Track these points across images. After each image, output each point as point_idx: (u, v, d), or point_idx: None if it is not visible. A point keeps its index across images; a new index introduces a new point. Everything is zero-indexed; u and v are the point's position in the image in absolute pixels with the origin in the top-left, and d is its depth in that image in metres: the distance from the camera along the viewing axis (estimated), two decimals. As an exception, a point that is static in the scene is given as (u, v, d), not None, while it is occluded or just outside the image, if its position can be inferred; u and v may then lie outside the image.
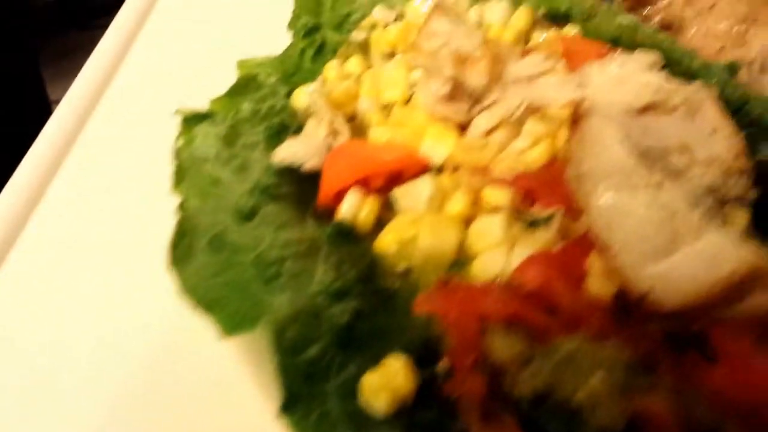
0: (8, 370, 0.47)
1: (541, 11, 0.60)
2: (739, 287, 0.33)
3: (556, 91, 0.44)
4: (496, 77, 0.45)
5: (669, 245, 0.34)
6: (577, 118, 0.41)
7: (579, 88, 0.43)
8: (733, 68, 0.55)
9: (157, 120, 0.53)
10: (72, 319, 0.49)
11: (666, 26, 0.64)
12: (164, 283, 0.39)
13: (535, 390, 0.34)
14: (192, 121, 0.50)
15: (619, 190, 0.37)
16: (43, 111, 1.55)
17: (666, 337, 0.35)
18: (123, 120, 0.67)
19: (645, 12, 0.65)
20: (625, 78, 0.44)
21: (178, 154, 0.47)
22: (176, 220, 0.42)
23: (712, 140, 0.42)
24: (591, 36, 0.59)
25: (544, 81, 0.45)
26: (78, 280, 0.52)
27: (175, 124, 0.51)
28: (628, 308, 0.35)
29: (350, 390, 0.36)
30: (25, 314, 0.50)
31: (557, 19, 0.61)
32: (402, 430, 0.34)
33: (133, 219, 0.55)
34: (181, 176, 0.45)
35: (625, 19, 0.58)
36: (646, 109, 0.42)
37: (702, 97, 0.43)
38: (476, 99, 0.46)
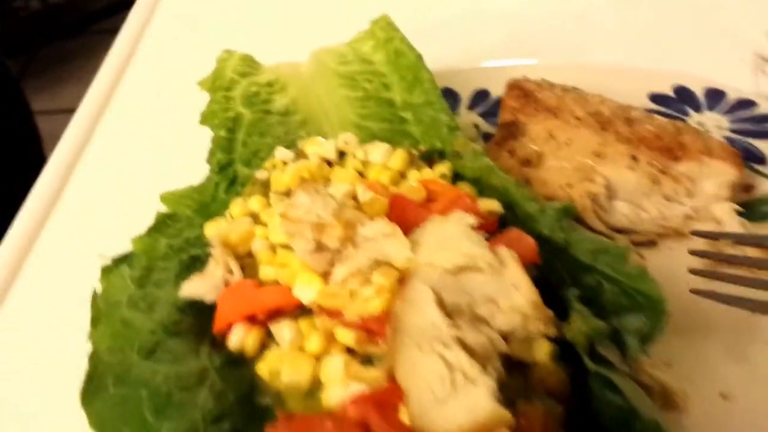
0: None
1: (418, 151, 0.76)
2: (487, 429, 0.47)
3: (395, 250, 0.59)
4: (349, 238, 0.60)
5: (446, 395, 0.49)
6: (403, 280, 0.56)
7: (411, 250, 0.58)
8: (567, 210, 0.69)
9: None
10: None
11: (527, 160, 0.79)
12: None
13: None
14: (109, 269, 0.64)
15: (418, 345, 0.52)
16: (27, 123, 1.61)
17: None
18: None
19: (512, 146, 0.80)
20: (450, 239, 0.59)
21: (95, 301, 0.61)
22: (87, 366, 0.56)
23: (514, 293, 0.57)
24: (458, 172, 0.74)
25: (386, 241, 0.60)
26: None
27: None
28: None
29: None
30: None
31: (432, 156, 0.77)
32: None
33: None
34: (97, 321, 0.59)
35: (485, 161, 0.74)
36: (460, 270, 0.57)
37: (506, 258, 0.58)
38: (335, 253, 0.61)
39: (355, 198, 0.67)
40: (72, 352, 0.58)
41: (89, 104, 0.95)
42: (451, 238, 0.59)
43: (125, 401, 0.54)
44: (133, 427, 0.53)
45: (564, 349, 0.57)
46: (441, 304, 0.55)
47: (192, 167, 0.74)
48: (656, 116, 0.80)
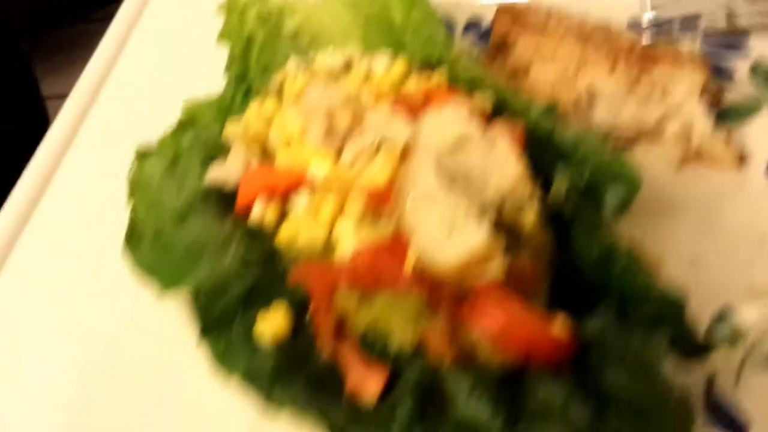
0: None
1: (418, 59, 0.85)
2: (479, 261, 0.57)
3: (397, 132, 0.69)
4: (357, 123, 0.70)
5: (445, 238, 0.58)
6: (405, 153, 0.66)
7: (412, 131, 0.68)
8: (551, 107, 0.79)
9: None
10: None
11: (515, 71, 0.89)
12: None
13: (363, 326, 0.59)
14: (142, 156, 0.74)
15: (421, 202, 0.61)
16: (38, 107, 1.69)
17: (448, 292, 0.60)
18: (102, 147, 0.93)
19: (501, 61, 0.90)
20: (446, 123, 0.68)
21: (131, 179, 0.71)
22: (128, 221, 0.66)
23: (503, 167, 0.66)
24: (454, 77, 0.83)
25: (390, 125, 0.69)
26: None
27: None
28: (422, 276, 0.59)
29: (248, 328, 0.59)
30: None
31: (431, 64, 0.86)
32: (279, 354, 0.58)
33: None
34: (132, 192, 0.69)
35: (477, 67, 0.84)
36: (456, 145, 0.67)
37: (497, 136, 0.67)
38: (344, 137, 0.71)
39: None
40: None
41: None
42: (447, 122, 0.68)
43: (162, 251, 0.63)
44: (170, 269, 0.62)
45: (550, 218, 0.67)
46: (439, 173, 0.64)
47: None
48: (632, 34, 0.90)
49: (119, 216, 0.69)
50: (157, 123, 0.77)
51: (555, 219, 0.67)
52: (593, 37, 0.87)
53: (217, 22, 0.91)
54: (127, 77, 1.00)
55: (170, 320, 0.64)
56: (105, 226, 0.77)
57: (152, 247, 0.64)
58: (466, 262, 0.56)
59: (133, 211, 0.67)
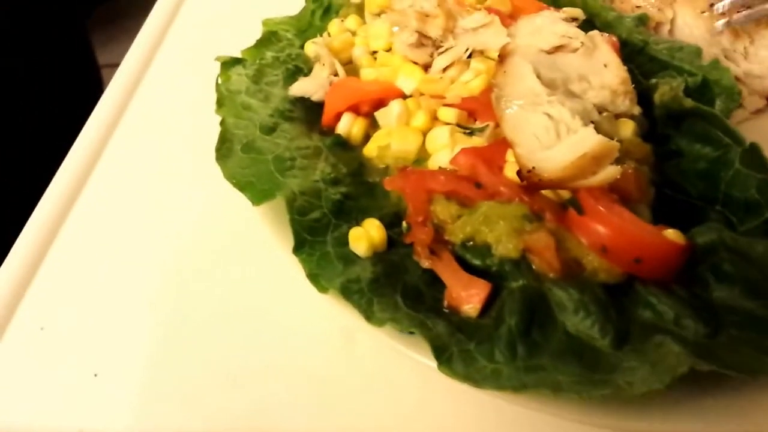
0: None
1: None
2: (593, 162, 0.48)
3: (492, 38, 0.60)
4: (450, 29, 0.61)
5: (552, 141, 0.50)
6: (502, 57, 0.57)
7: (508, 37, 0.59)
8: (641, 19, 0.69)
9: (203, 67, 0.70)
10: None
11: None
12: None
13: (463, 236, 0.51)
14: (228, 65, 0.66)
15: (523, 106, 0.53)
16: (93, 75, 1.61)
17: (554, 198, 0.51)
18: (180, 66, 0.86)
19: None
20: (542, 28, 0.59)
21: (219, 88, 0.63)
22: (219, 131, 0.59)
23: (604, 72, 0.57)
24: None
25: (484, 31, 0.60)
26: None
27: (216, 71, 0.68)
28: (526, 181, 0.51)
29: (341, 241, 0.52)
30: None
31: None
32: (375, 264, 0.50)
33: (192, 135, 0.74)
34: (221, 103, 0.61)
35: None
36: (555, 50, 0.57)
37: (598, 40, 0.58)
38: (436, 46, 0.62)
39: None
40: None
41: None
42: (545, 27, 0.59)
43: (254, 162, 0.56)
44: (262, 180, 0.55)
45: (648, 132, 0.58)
46: (539, 76, 0.55)
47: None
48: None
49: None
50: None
51: (652, 133, 0.59)
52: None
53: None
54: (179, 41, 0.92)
55: (262, 232, 0.56)
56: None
57: (243, 158, 0.56)
58: (579, 162, 0.48)
59: (223, 121, 0.59)
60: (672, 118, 0.57)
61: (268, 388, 0.54)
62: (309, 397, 0.54)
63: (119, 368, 0.57)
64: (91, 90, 1.52)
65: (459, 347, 0.45)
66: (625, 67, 0.58)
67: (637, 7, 0.75)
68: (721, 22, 0.72)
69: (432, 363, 0.45)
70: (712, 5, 0.74)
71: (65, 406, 0.55)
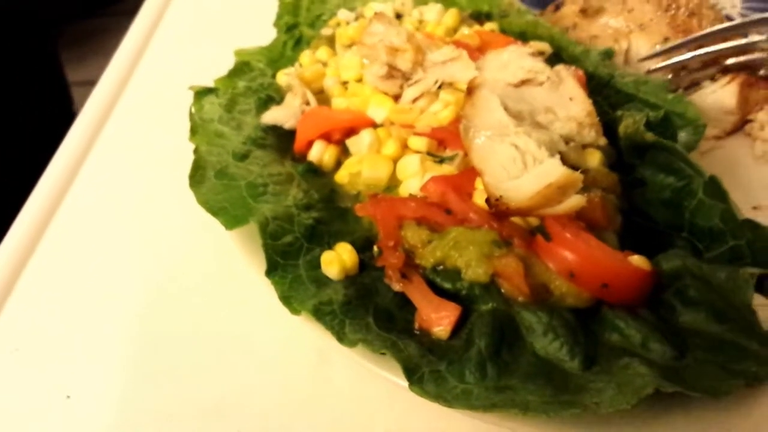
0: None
1: (468, 11, 0.80)
2: (559, 192, 0.51)
3: (461, 71, 0.63)
4: (419, 62, 0.64)
5: (519, 171, 0.53)
6: (470, 89, 0.60)
7: (476, 70, 0.62)
8: (607, 53, 0.74)
9: (175, 98, 0.73)
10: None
11: (585, 10, 0.83)
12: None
13: (434, 260, 0.53)
14: (201, 94, 0.68)
15: (491, 136, 0.55)
16: (64, 92, 1.63)
17: (523, 225, 0.54)
18: (149, 98, 0.88)
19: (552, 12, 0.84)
20: (509, 62, 0.62)
21: (192, 116, 0.66)
22: (193, 159, 0.61)
23: (570, 104, 0.60)
24: (505, 29, 0.78)
25: (453, 65, 0.63)
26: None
27: (189, 99, 0.70)
28: (494, 208, 0.53)
29: (314, 264, 0.54)
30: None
31: (480, 17, 0.80)
32: (347, 287, 0.52)
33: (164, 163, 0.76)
34: (194, 131, 0.63)
35: (530, 17, 0.78)
36: (522, 83, 0.61)
37: (564, 74, 0.61)
38: (406, 78, 0.65)
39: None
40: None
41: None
42: (511, 61, 0.63)
43: (227, 188, 0.58)
44: (235, 206, 0.57)
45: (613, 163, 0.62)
46: (506, 108, 0.58)
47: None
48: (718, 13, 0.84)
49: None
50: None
51: (619, 163, 0.62)
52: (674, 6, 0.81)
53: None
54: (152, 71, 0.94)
55: (234, 256, 0.58)
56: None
57: (216, 184, 0.59)
58: (545, 191, 0.50)
59: (197, 148, 0.61)
60: (636, 149, 0.60)
61: (245, 413, 0.56)
62: (287, 420, 0.55)
63: (92, 390, 0.58)
64: (62, 106, 1.53)
65: (430, 368, 0.47)
66: (591, 100, 0.61)
67: (594, 36, 0.79)
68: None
69: (404, 383, 0.47)
70: (666, 39, 0.79)
71: (36, 427, 0.56)
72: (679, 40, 0.77)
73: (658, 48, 0.78)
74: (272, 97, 0.72)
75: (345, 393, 0.56)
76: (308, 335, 0.53)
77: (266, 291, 0.53)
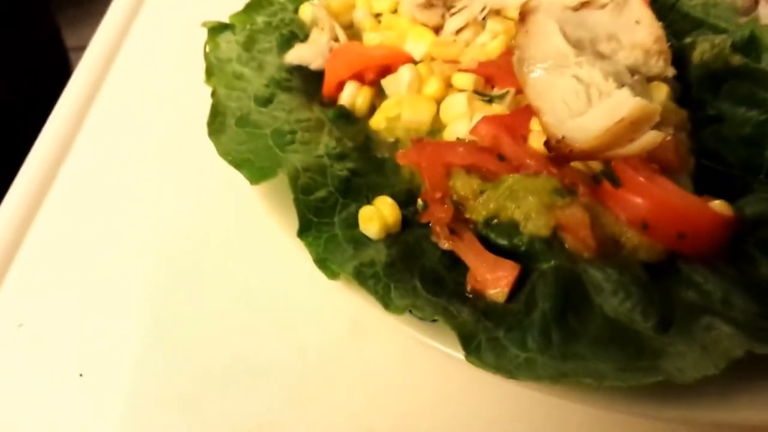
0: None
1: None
2: (631, 128, 0.47)
3: (512, -6, 0.59)
4: (461, -13, 0.60)
5: (583, 107, 0.49)
6: (524, 15, 0.55)
7: (527, -5, 0.57)
8: (673, -27, 0.69)
9: (188, 33, 0.69)
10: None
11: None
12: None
13: (486, 213, 0.50)
14: (216, 30, 0.64)
15: (549, 68, 0.51)
16: (61, 57, 1.63)
17: (586, 170, 0.50)
18: (158, 36, 0.85)
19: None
20: (566, -18, 0.58)
21: (207, 56, 0.62)
22: (211, 104, 0.57)
23: (636, 29, 0.56)
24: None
25: (501, -13, 0.59)
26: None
27: (202, 38, 0.66)
28: (555, 152, 0.50)
29: (351, 222, 0.51)
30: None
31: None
32: (388, 247, 0.49)
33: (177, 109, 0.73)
34: (211, 72, 0.60)
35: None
36: (581, 5, 0.56)
37: (628, -6, 0.57)
38: (448, 6, 0.61)
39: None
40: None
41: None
42: (568, -19, 0.58)
43: (251, 137, 0.55)
44: (261, 156, 0.53)
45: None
46: (565, 36, 0.54)
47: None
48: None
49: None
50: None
51: (686, 98, 0.58)
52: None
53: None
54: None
55: (260, 215, 0.54)
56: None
57: (238, 133, 0.55)
58: (615, 129, 0.46)
59: (214, 92, 0.58)
60: (711, 79, 0.56)
61: (272, 390, 0.53)
62: (318, 399, 0.53)
63: (106, 368, 0.55)
64: (60, 72, 1.50)
65: (487, 335, 0.44)
66: (660, 24, 0.56)
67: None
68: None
69: (458, 353, 0.44)
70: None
71: (48, 407, 0.54)
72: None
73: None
74: (296, 33, 0.68)
75: (384, 367, 0.54)
76: (343, 303, 0.49)
77: (295, 254, 0.50)
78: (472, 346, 0.43)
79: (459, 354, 0.44)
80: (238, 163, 0.53)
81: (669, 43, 0.57)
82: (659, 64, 0.56)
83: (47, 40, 1.56)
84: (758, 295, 0.45)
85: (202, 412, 0.52)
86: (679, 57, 0.58)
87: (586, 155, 0.49)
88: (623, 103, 0.47)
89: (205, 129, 0.55)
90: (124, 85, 0.79)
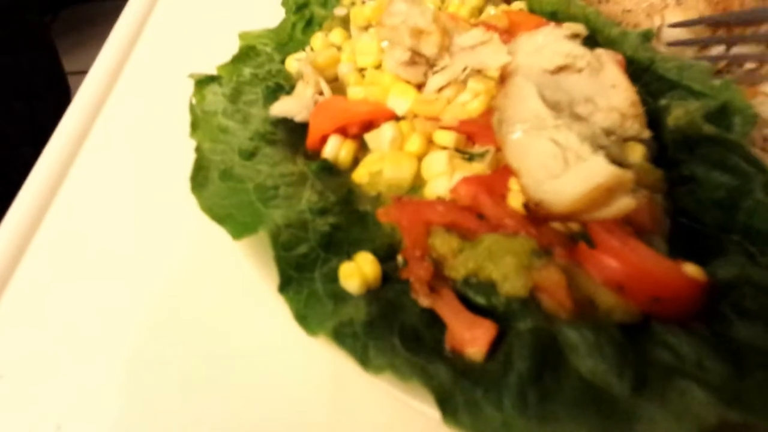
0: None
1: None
2: (606, 194, 0.47)
3: (492, 57, 0.58)
4: (445, 47, 0.60)
5: (560, 170, 0.49)
6: (504, 76, 0.56)
7: (509, 55, 0.57)
8: (646, 35, 0.69)
9: (174, 85, 0.68)
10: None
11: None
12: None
13: (465, 272, 0.49)
14: (203, 83, 0.64)
15: (527, 131, 0.51)
16: (60, 83, 1.61)
17: (564, 230, 0.50)
18: (146, 86, 0.83)
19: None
20: (545, 46, 0.57)
21: (193, 109, 0.61)
22: (194, 158, 0.57)
23: (612, 93, 0.56)
24: (534, 9, 0.73)
25: (483, 49, 0.59)
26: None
27: (189, 87, 0.66)
28: (533, 214, 0.49)
29: (331, 277, 0.50)
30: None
31: (506, -2, 0.76)
32: (369, 303, 0.49)
33: (161, 161, 0.72)
34: (196, 125, 0.59)
35: (561, -1, 0.73)
36: (559, 70, 0.56)
37: (605, 59, 0.57)
38: (430, 64, 0.61)
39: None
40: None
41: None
42: (546, 45, 0.58)
43: (233, 191, 0.54)
44: (243, 212, 0.53)
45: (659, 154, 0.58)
46: (543, 98, 0.54)
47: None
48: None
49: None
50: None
51: (662, 158, 0.58)
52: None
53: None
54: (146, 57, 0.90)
55: (241, 269, 0.54)
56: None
57: (221, 187, 0.54)
58: (591, 194, 0.46)
59: (199, 146, 0.57)
60: (685, 143, 0.57)
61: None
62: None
63: (85, 419, 0.54)
64: (60, 95, 1.49)
65: (464, 396, 0.44)
66: (635, 88, 0.57)
67: (627, 11, 0.75)
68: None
69: (435, 413, 0.43)
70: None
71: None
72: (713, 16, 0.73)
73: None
74: (282, 85, 0.67)
75: (370, 423, 0.53)
76: (326, 358, 0.49)
77: (279, 309, 0.49)
78: (448, 408, 0.43)
79: (436, 413, 0.43)
80: (220, 219, 0.52)
81: (645, 105, 0.57)
82: (635, 127, 0.56)
83: (47, 60, 1.55)
84: (733, 358, 0.45)
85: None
86: (654, 118, 0.59)
87: (562, 218, 0.49)
88: (599, 169, 0.47)
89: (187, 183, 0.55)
90: (112, 134, 0.78)
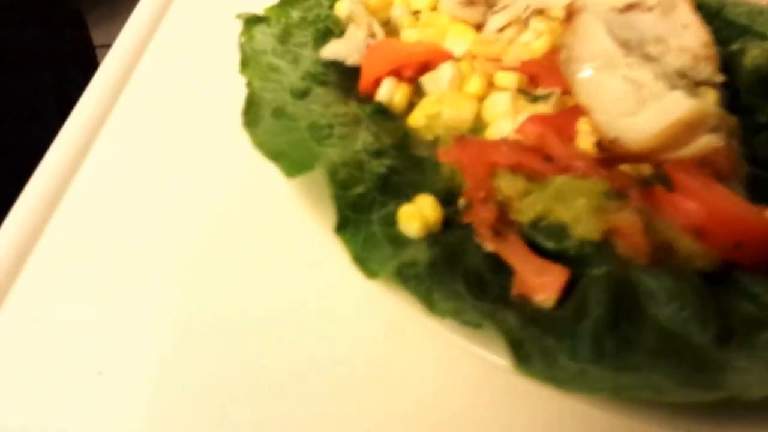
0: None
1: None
2: (687, 130, 0.43)
3: (557, -7, 0.54)
4: (505, -16, 0.56)
5: (635, 107, 0.45)
6: (570, 14, 0.51)
7: (573, -6, 0.53)
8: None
9: (217, 30, 0.65)
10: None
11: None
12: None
13: (533, 214, 0.45)
14: (251, 22, 0.60)
15: (598, 68, 0.47)
16: (89, 55, 1.58)
17: (636, 174, 0.46)
18: (190, 28, 0.81)
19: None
20: (613, -18, 0.54)
21: (242, 47, 0.57)
22: (246, 94, 0.53)
23: (684, 33, 0.52)
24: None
25: (546, -15, 0.55)
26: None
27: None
28: (607, 152, 0.45)
29: (390, 220, 0.46)
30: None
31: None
32: (430, 247, 0.45)
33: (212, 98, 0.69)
34: (246, 63, 0.55)
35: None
36: (629, 8, 0.52)
37: (676, -2, 0.53)
38: (490, 4, 0.57)
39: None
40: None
41: None
42: (616, -18, 0.54)
43: (287, 129, 0.50)
44: (297, 149, 0.49)
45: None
46: (613, 36, 0.50)
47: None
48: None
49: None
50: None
51: (734, 105, 0.53)
52: None
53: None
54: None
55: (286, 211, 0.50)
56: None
57: (273, 125, 0.50)
58: (672, 130, 0.42)
59: (249, 83, 0.53)
60: (763, 85, 0.52)
61: (304, 396, 0.49)
62: (354, 405, 0.48)
63: (127, 366, 0.51)
64: (87, 69, 1.46)
65: (535, 343, 0.40)
66: (708, 29, 0.52)
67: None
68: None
69: (503, 362, 0.39)
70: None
71: (65, 406, 0.49)
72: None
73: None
74: (331, 29, 0.63)
75: (423, 372, 0.49)
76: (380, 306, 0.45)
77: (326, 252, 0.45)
78: (521, 355, 0.39)
79: (505, 362, 0.39)
80: (273, 155, 0.48)
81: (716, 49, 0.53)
82: (708, 69, 0.52)
83: (76, 38, 1.51)
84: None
85: (230, 417, 0.48)
86: (725, 64, 0.54)
87: (639, 157, 0.45)
88: (678, 105, 0.43)
89: (234, 124, 0.51)
90: (151, 80, 0.75)
